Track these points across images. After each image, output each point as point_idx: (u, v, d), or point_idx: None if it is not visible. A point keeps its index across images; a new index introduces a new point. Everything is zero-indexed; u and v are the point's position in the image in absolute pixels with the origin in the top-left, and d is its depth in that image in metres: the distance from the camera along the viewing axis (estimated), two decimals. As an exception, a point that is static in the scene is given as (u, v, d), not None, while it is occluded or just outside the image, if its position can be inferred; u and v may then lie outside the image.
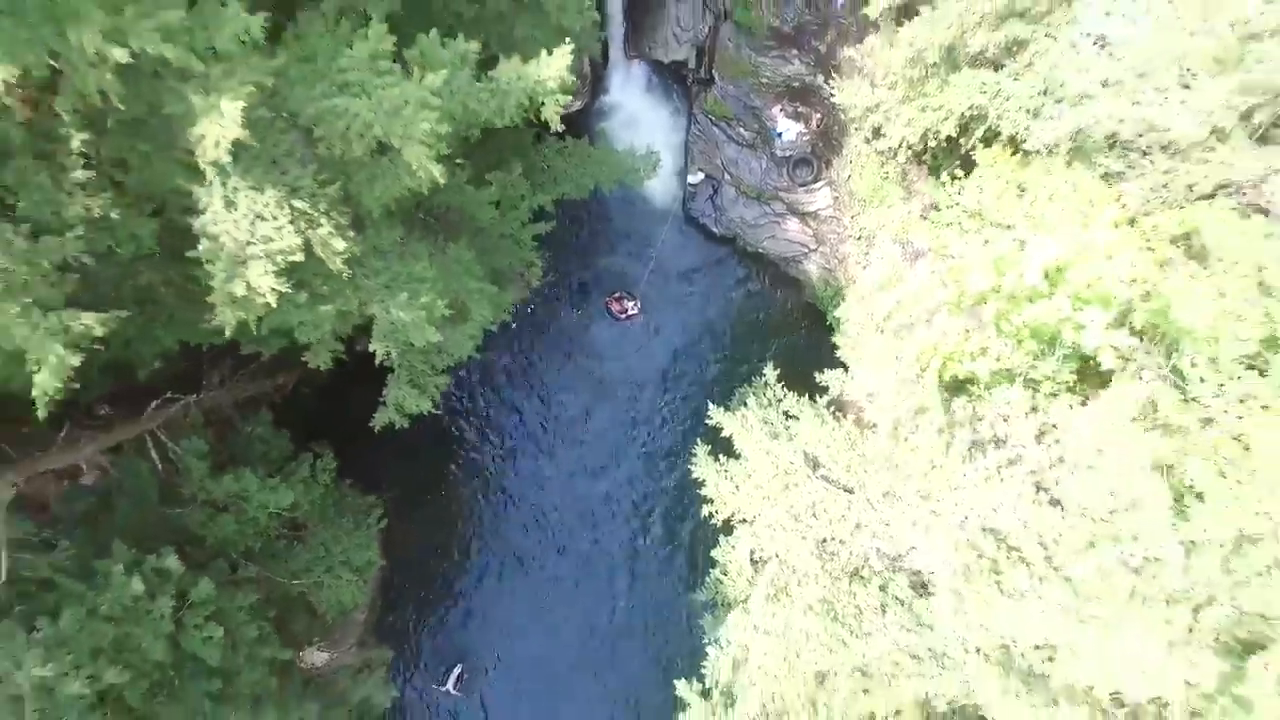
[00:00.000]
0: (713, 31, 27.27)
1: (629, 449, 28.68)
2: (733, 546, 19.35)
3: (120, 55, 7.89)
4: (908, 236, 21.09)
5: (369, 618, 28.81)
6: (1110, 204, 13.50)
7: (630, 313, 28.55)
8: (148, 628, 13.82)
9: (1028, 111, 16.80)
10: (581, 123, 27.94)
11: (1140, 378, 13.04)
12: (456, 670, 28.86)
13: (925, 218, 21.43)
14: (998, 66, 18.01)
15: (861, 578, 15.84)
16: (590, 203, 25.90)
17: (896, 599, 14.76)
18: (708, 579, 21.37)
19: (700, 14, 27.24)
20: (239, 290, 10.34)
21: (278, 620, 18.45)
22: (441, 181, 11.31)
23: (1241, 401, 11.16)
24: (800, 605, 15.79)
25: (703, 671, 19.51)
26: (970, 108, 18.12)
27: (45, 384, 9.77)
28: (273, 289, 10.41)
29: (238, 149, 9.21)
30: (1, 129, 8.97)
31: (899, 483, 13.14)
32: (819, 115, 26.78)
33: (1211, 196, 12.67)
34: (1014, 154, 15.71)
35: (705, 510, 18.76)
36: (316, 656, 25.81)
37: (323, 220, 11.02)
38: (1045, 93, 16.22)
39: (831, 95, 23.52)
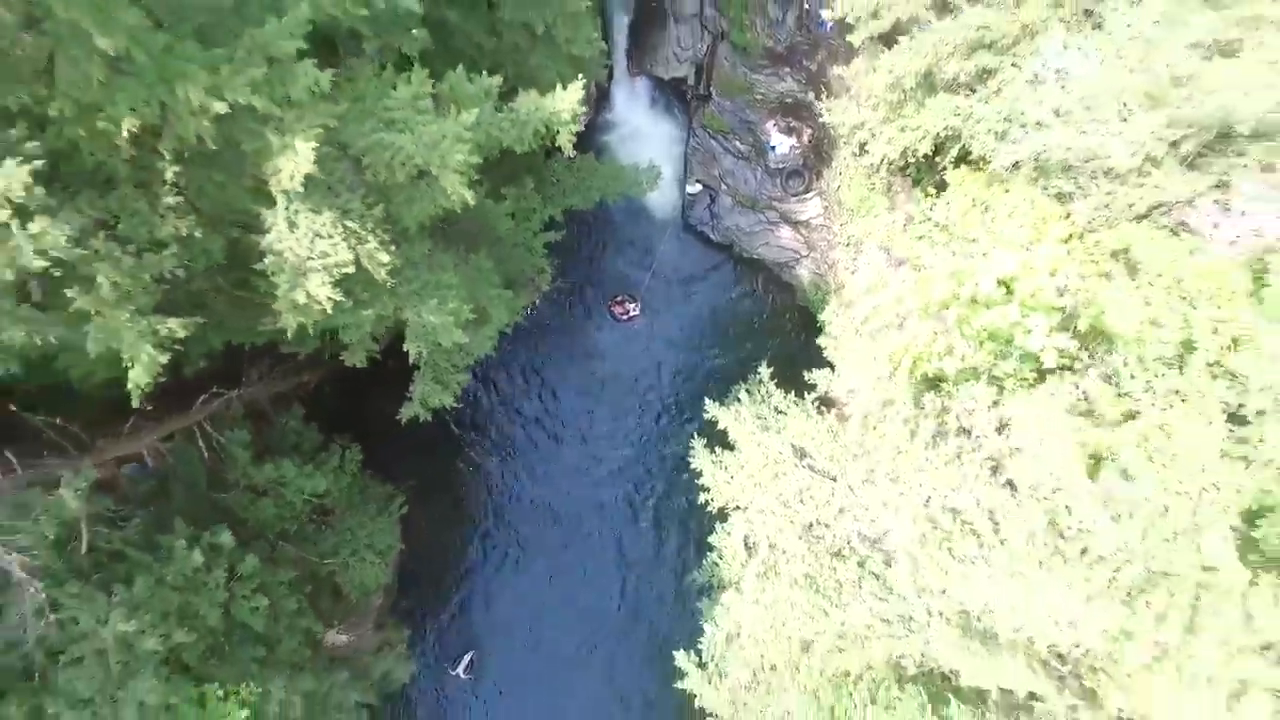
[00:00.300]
0: (711, 50, 28.96)
1: (631, 443, 30.32)
2: (728, 532, 20.94)
3: (220, 107, 9.62)
4: (891, 245, 22.79)
5: (384, 603, 30.41)
6: (1059, 221, 15.22)
7: (632, 314, 30.22)
8: (204, 596, 15.57)
9: (995, 134, 18.48)
10: (587, 137, 29.59)
11: (1087, 375, 14.83)
12: (468, 656, 30.25)
13: (907, 228, 23.14)
14: (970, 91, 19.71)
15: (842, 556, 17.53)
16: (595, 212, 27.49)
17: (872, 574, 16.47)
18: (704, 563, 23.06)
19: (699, 34, 28.93)
20: (300, 298, 12.06)
21: (310, 597, 20.15)
22: (471, 202, 13.05)
23: (1165, 396, 12.89)
24: (786, 580, 17.48)
25: (700, 647, 21.24)
26: (945, 129, 19.78)
27: (138, 378, 11.50)
28: (329, 297, 12.12)
29: (305, 179, 10.93)
30: (110, 164, 10.70)
31: (873, 467, 14.83)
32: (810, 130, 28.47)
33: (1147, 216, 14.39)
34: (979, 172, 17.38)
35: (702, 498, 20.46)
36: (337, 638, 27.51)
37: (369, 237, 12.73)
38: (1009, 119, 17.93)
39: (822, 114, 25.23)
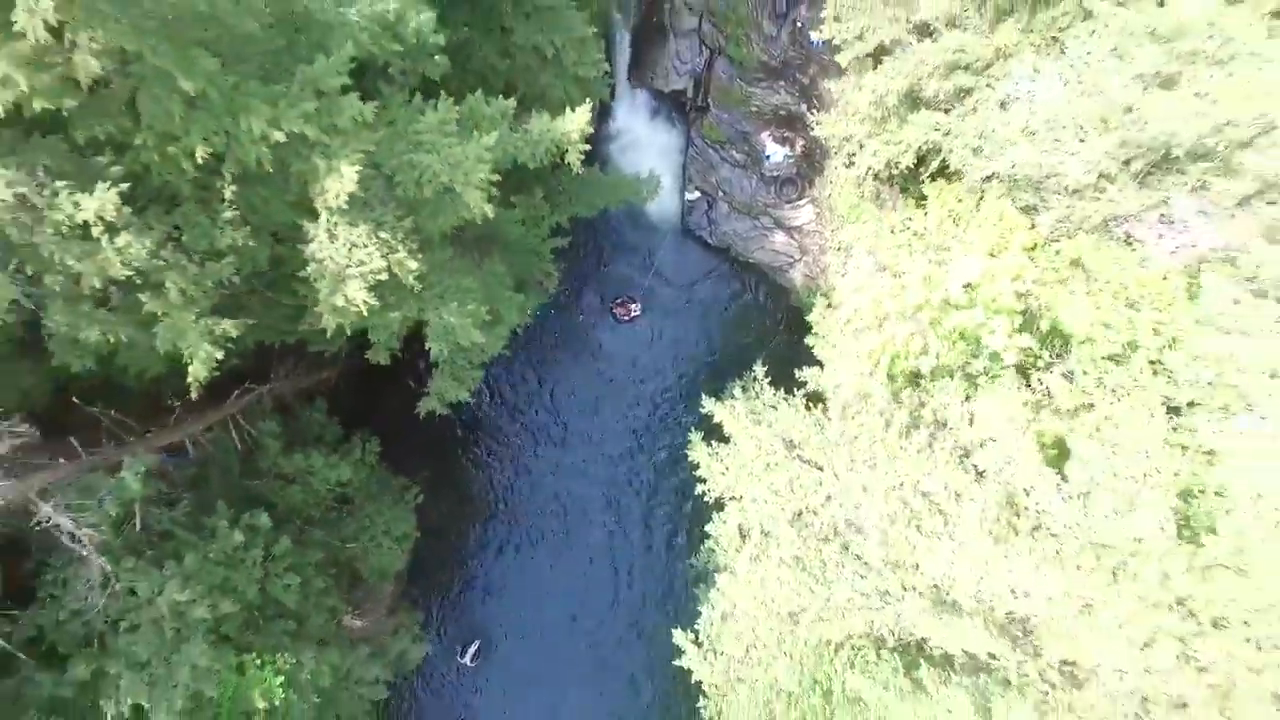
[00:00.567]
0: (708, 64, 30.40)
1: (632, 437, 31.72)
2: (724, 521, 22.31)
3: (279, 136, 11.09)
4: (877, 251, 24.24)
5: (396, 590, 31.79)
6: (1025, 231, 16.69)
7: (633, 315, 31.65)
8: (243, 573, 17.04)
9: (972, 150, 19.96)
10: (591, 147, 30.91)
11: (1051, 371, 16.31)
12: (475, 645, 31.51)
13: (892, 234, 24.59)
14: (949, 109, 21.17)
15: (828, 540, 18.97)
16: (598, 218, 28.91)
17: (855, 556, 17.93)
18: (702, 550, 24.48)
19: (698, 49, 30.39)
20: (340, 301, 13.54)
21: (333, 579, 21.61)
22: (491, 215, 14.53)
23: (1113, 390, 14.36)
24: (776, 560, 18.92)
25: (697, 627, 22.65)
26: (925, 143, 21.26)
27: (197, 372, 13.00)
28: (365, 301, 13.60)
29: (348, 197, 12.40)
30: (176, 184, 12.18)
31: (854, 455, 16.30)
32: (803, 140, 29.89)
33: (1102, 227, 15.85)
34: (954, 185, 18.85)
35: (699, 489, 21.87)
36: (353, 623, 28.99)
37: (399, 246, 14.20)
38: (983, 135, 19.40)
39: (813, 126, 26.69)
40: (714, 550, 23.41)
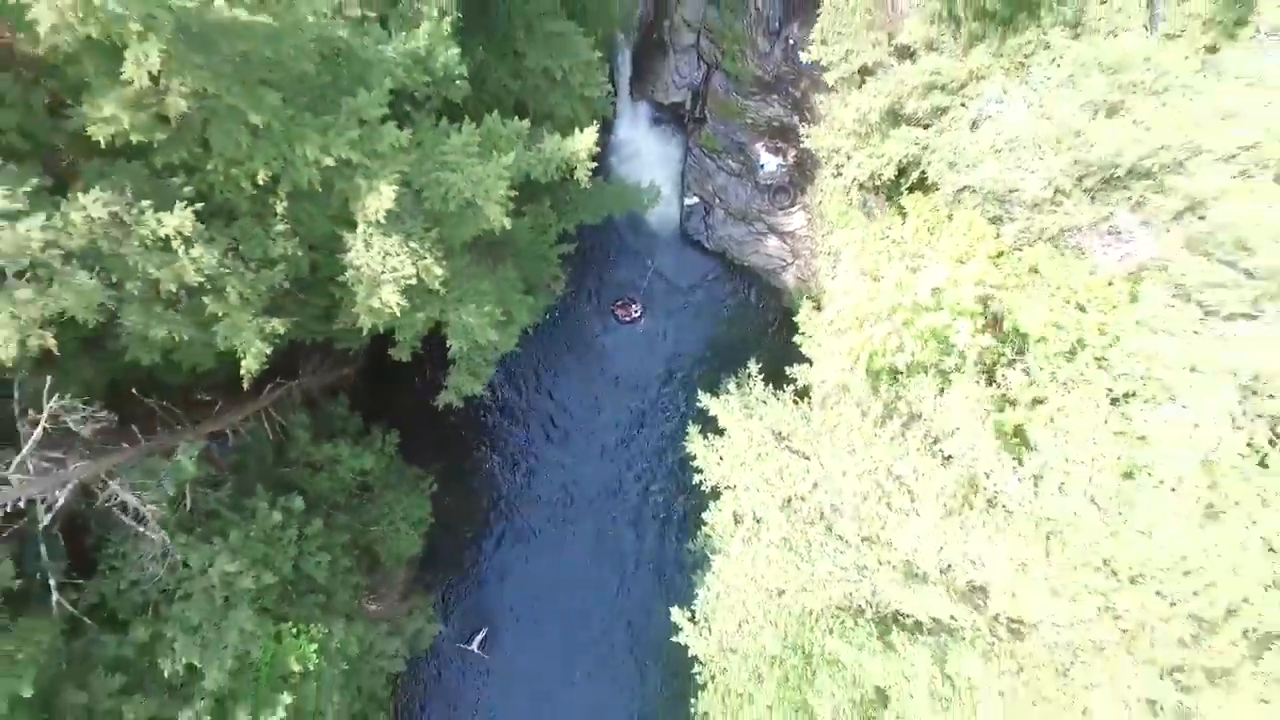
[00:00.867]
0: (706, 78, 32.15)
1: (633, 431, 33.42)
2: (719, 509, 23.91)
3: (329, 160, 12.80)
4: (861, 256, 25.94)
5: (408, 576, 33.43)
6: (991, 240, 18.38)
7: (634, 316, 33.39)
8: (280, 550, 18.75)
9: (948, 164, 21.66)
10: (595, 157, 32.75)
11: (1014, 367, 18.01)
12: (483, 633, 33.05)
13: (876, 242, 26.30)
14: (927, 125, 22.86)
15: (813, 523, 20.66)
16: (602, 224, 30.56)
17: (838, 536, 19.62)
18: (699, 535, 26.15)
19: (696, 64, 32.14)
20: (376, 304, 15.25)
21: (356, 560, 23.33)
22: (509, 226, 16.23)
23: (1064, 383, 16.06)
24: (765, 542, 20.61)
25: (694, 607, 24.31)
26: (906, 156, 22.97)
27: (250, 365, 14.71)
28: (397, 303, 15.30)
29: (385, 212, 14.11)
30: (235, 201, 13.89)
31: (834, 442, 18.00)
32: (795, 151, 31.62)
33: (1058, 237, 17.55)
34: (928, 197, 20.55)
35: (697, 479, 23.55)
36: (369, 607, 30.71)
37: (427, 254, 15.89)
38: (957, 151, 21.09)
39: (804, 138, 28.40)
40: (710, 536, 25.02)
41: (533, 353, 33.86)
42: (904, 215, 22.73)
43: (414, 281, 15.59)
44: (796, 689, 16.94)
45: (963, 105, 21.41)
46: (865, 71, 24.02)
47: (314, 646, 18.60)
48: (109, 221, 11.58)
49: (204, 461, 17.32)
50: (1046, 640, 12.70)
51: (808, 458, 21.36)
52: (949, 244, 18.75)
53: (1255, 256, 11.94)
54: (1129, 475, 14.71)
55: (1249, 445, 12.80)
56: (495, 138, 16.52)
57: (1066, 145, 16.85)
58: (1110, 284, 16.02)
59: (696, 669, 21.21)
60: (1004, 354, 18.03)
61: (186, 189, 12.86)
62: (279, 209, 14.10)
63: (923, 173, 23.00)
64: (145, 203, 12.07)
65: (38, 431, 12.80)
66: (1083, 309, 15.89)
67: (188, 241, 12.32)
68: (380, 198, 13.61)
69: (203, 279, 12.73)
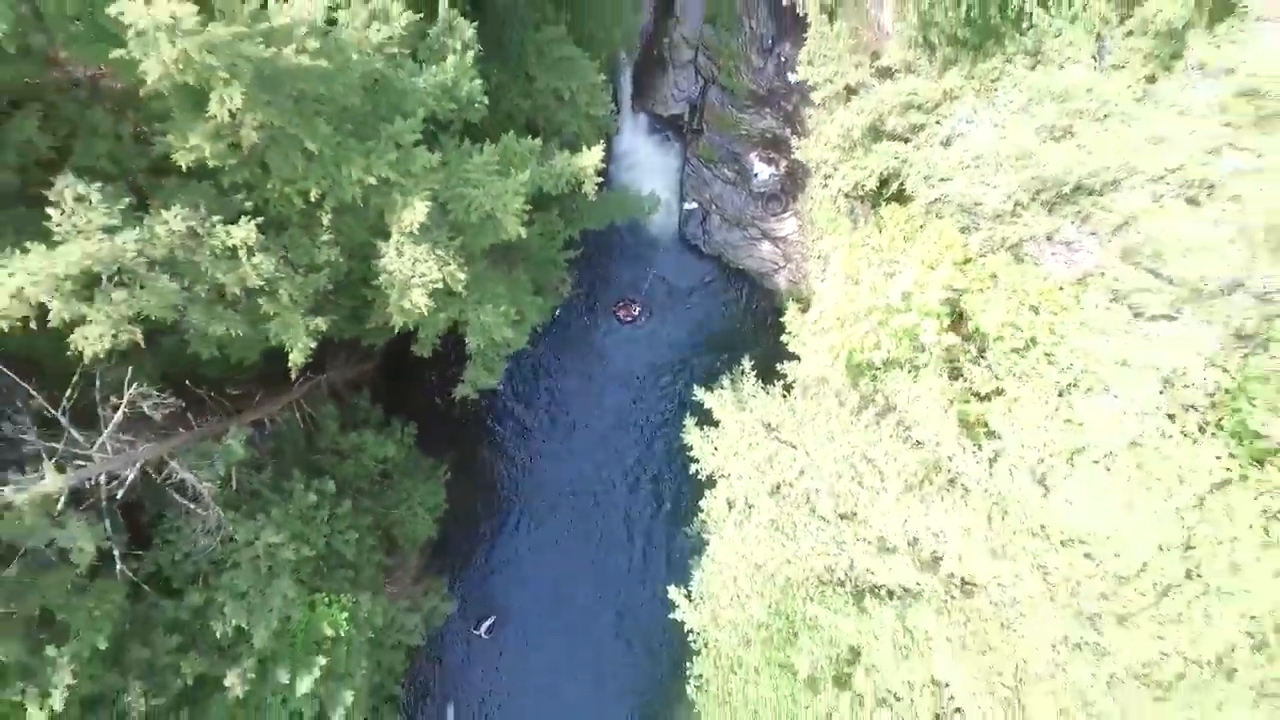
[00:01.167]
0: (703, 92, 34.08)
1: (633, 425, 35.32)
2: (714, 496, 25.84)
3: (371, 180, 14.75)
4: (847, 261, 27.87)
5: (420, 562, 35.33)
6: (959, 248, 20.33)
7: (635, 316, 35.33)
8: (314, 528, 20.70)
9: (924, 177, 23.59)
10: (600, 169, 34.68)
11: (979, 363, 19.96)
12: (490, 619, 34.86)
13: (859, 249, 28.25)
14: (906, 140, 24.78)
15: (798, 506, 22.58)
16: (605, 230, 32.45)
17: (821, 517, 21.55)
18: (696, 521, 28.04)
19: (694, 79, 34.08)
20: (406, 305, 17.19)
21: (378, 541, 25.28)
22: (524, 235, 18.17)
23: (1018, 377, 18.01)
24: (756, 524, 22.53)
25: (690, 587, 26.21)
26: (886, 169, 24.90)
27: (296, 359, 16.64)
28: (425, 304, 17.24)
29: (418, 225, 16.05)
30: (286, 214, 15.84)
31: (815, 430, 19.94)
32: (787, 161, 33.49)
33: (1018, 246, 19.49)
34: (904, 208, 22.50)
35: (693, 469, 25.44)
36: (387, 588, 32.60)
37: (450, 261, 17.83)
38: (931, 166, 23.02)
39: (795, 150, 30.31)
40: (705, 521, 26.91)
41: (539, 351, 35.70)
42: (881, 225, 24.71)
43: (440, 285, 17.51)
44: (781, 649, 18.86)
45: (937, 123, 23.31)
46: (850, 90, 25.93)
47: (344, 615, 20.55)
48: (186, 234, 13.52)
49: (249, 445, 19.23)
50: (993, 598, 14.63)
51: (795, 446, 23.31)
52: (921, 251, 20.69)
53: (1168, 266, 13.87)
54: (1072, 457, 16.67)
55: (1167, 430, 14.74)
56: (511, 155, 18.46)
57: (1024, 164, 18.81)
58: (1061, 289, 17.98)
59: (691, 637, 23.10)
60: (969, 351, 20.00)
61: (247, 204, 14.81)
62: (325, 221, 16.03)
63: (902, 184, 24.98)
64: (215, 217, 14.02)
65: (119, 415, 14.73)
66: (1035, 310, 17.85)
67: (250, 250, 14.27)
68: (414, 212, 15.55)
69: (262, 282, 14.66)
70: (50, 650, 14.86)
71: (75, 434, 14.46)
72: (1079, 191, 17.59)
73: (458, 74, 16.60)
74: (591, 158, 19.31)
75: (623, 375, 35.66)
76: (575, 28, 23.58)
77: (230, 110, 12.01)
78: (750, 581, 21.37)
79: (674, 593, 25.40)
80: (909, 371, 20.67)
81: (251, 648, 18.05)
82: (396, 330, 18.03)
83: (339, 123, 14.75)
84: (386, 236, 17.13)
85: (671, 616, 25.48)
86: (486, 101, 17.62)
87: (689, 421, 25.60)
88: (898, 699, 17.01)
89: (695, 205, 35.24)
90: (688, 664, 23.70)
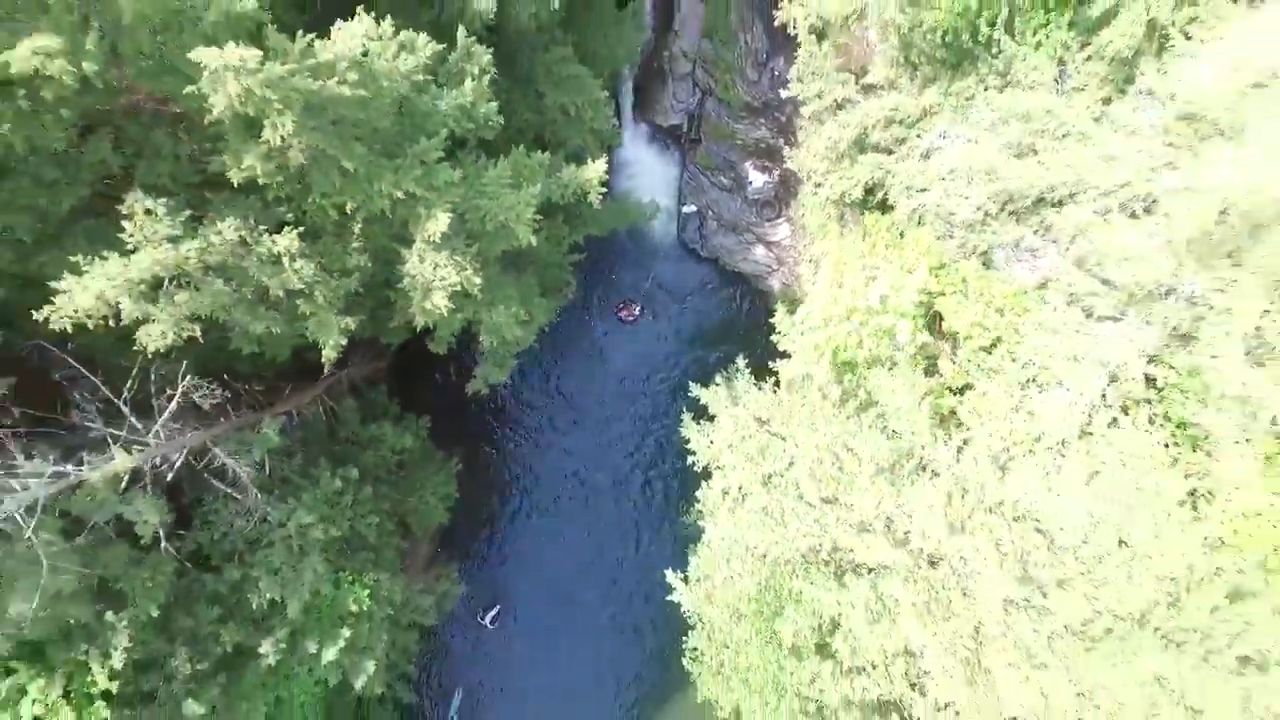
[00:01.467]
0: (701, 104, 35.79)
1: (633, 420, 37.05)
2: (710, 486, 27.59)
3: (399, 194, 16.47)
4: (834, 266, 29.57)
5: (429, 551, 37.02)
6: (933, 254, 22.03)
7: (635, 316, 37.04)
8: (338, 512, 22.41)
9: (905, 188, 25.28)
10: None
11: (951, 361, 21.67)
12: (496, 609, 36.55)
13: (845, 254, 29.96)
14: (891, 152, 26.46)
15: (787, 493, 24.26)
16: (607, 234, 34.15)
17: (807, 503, 23.25)
18: (693, 511, 29.74)
19: (692, 90, 35.79)
20: (428, 306, 18.90)
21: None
22: (535, 244, 19.88)
23: (986, 373, 19.72)
24: (747, 509, 24.23)
25: (687, 572, 27.91)
26: (871, 179, 26.59)
27: (329, 355, 18.36)
28: (445, 306, 18.95)
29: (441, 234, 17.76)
30: (320, 223, 17.56)
31: (800, 421, 21.64)
32: (780, 169, 35.20)
33: (986, 253, 21.20)
34: (886, 217, 24.20)
35: (690, 460, 27.14)
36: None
37: (467, 266, 19.53)
38: (911, 177, 24.71)
39: (787, 160, 32.00)
40: (701, 511, 28.61)
41: (543, 350, 37.38)
42: (865, 232, 26.42)
43: (458, 288, 19.22)
44: (769, 621, 20.56)
45: (918, 137, 24.99)
46: (837, 105, 27.64)
47: (366, 592, 22.25)
48: (237, 242, 15.23)
49: (281, 435, 20.95)
50: (956, 570, 16.32)
51: (784, 439, 25.04)
52: (900, 256, 22.40)
53: (1109, 272, 15.58)
54: (1033, 445, 18.38)
55: (1119, 420, 16.43)
56: (523, 169, 20.17)
57: (991, 178, 20.52)
58: (1025, 292, 19.69)
59: (687, 613, 24.78)
60: (943, 349, 21.72)
61: (287, 215, 16.53)
62: (355, 230, 17.75)
63: (886, 193, 26.68)
64: (262, 227, 15.74)
65: (173, 404, 16.45)
66: (1001, 312, 19.56)
67: (293, 257, 15.98)
68: (437, 222, 17.26)
69: (302, 285, 16.37)
70: (109, 616, 16.57)
71: (135, 421, 16.15)
72: (1041, 204, 19.31)
73: (475, 96, 18.30)
74: (596, 170, 21.03)
75: (623, 372, 37.34)
76: (581, 47, 25.28)
77: (281, 135, 13.71)
78: (742, 562, 23.07)
79: (671, 576, 27.17)
80: (889, 368, 22.37)
81: (285, 619, 19.76)
82: (418, 329, 19.72)
83: (371, 143, 16.45)
84: (408, 243, 18.83)
85: (669, 599, 27.32)
86: (501, 120, 19.29)
87: (686, 416, 27.34)
88: (874, 666, 18.72)
89: (694, 208, 36.92)
90: (683, 639, 25.38)
